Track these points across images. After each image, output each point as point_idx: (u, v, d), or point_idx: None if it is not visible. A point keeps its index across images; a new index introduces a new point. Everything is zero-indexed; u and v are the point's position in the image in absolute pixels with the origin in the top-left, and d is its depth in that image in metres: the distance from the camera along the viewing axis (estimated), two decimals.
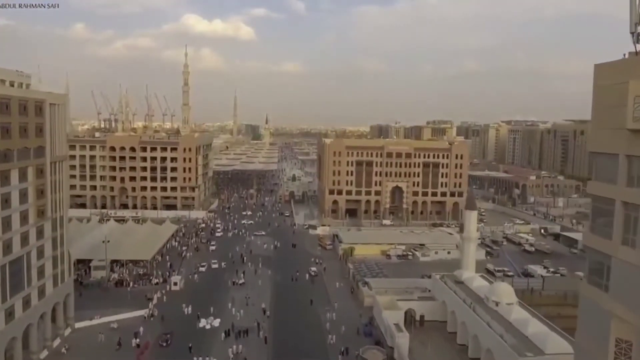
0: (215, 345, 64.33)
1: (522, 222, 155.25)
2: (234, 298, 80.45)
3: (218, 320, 68.84)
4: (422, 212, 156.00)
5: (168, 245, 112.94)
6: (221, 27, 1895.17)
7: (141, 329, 67.62)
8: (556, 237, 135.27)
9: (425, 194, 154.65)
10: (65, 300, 66.86)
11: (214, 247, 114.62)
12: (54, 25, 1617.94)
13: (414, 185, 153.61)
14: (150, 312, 73.60)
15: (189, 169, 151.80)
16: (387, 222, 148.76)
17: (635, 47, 26.92)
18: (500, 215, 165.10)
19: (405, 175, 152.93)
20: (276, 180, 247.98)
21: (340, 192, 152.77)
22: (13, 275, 53.32)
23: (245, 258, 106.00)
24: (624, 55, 27.88)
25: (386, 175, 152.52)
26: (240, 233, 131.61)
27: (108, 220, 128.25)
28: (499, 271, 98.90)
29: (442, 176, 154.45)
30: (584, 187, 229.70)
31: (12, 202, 53.18)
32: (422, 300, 72.72)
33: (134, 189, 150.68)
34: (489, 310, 59.28)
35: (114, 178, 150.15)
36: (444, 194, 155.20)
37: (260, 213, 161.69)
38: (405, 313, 69.08)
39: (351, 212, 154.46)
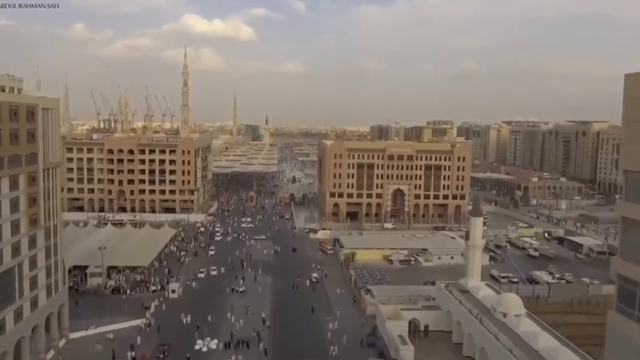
0: (214, 357, 62.56)
1: (525, 225, 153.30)
2: (234, 306, 78.53)
3: (215, 341, 65.93)
4: (423, 215, 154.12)
5: (166, 250, 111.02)
6: (221, 27, 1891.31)
7: (138, 339, 65.82)
8: (560, 241, 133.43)
9: (427, 196, 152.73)
10: (59, 311, 64.97)
11: (213, 252, 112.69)
12: (54, 25, 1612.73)
13: (415, 187, 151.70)
14: (147, 321, 71.67)
15: (188, 171, 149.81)
16: (388, 225, 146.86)
17: None
18: (503, 218, 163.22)
19: (406, 178, 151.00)
20: (276, 182, 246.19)
21: (341, 195, 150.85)
22: (4, 287, 51.50)
23: (245, 264, 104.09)
24: None
25: (387, 177, 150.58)
26: (240, 237, 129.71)
27: (105, 224, 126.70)
28: (503, 277, 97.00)
29: (444, 179, 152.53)
30: (586, 189, 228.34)
31: (2, 211, 51.30)
32: (426, 309, 70.85)
33: (132, 192, 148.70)
34: (497, 322, 57.38)
35: (112, 181, 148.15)
36: (446, 197, 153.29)
37: (260, 216, 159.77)
38: (409, 322, 67.23)
39: (352, 215, 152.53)
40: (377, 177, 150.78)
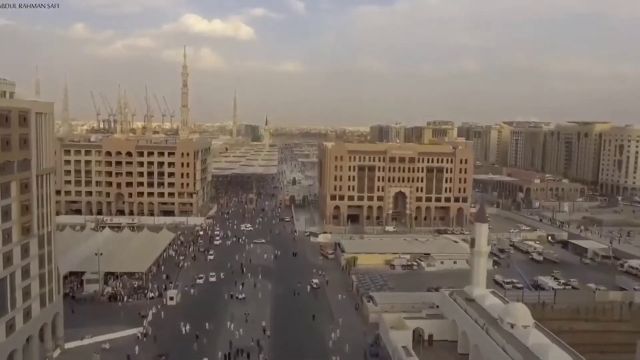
0: None
1: (528, 228, 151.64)
2: (233, 314, 76.80)
3: None
4: (425, 218, 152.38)
5: (165, 255, 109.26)
6: (221, 27, 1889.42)
7: (136, 349, 64.14)
8: (564, 244, 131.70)
9: (428, 199, 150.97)
10: (54, 320, 63.23)
11: (212, 257, 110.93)
12: (54, 25, 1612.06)
13: (417, 190, 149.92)
14: (145, 330, 69.89)
15: (187, 174, 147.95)
16: (390, 228, 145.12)
17: None
18: (505, 221, 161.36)
19: (408, 180, 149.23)
20: (276, 184, 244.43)
21: (342, 198, 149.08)
22: None
23: (244, 269, 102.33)
24: None
25: (389, 180, 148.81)
26: (240, 241, 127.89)
27: (103, 227, 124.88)
28: (508, 283, 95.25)
29: (446, 181, 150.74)
30: (589, 191, 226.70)
31: None
32: (430, 318, 69.02)
33: (130, 195, 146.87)
34: (504, 334, 55.55)
35: (110, 183, 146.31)
36: (448, 200, 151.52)
37: (260, 219, 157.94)
38: (413, 332, 65.50)
39: (353, 218, 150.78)
40: (379, 180, 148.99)
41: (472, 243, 68.39)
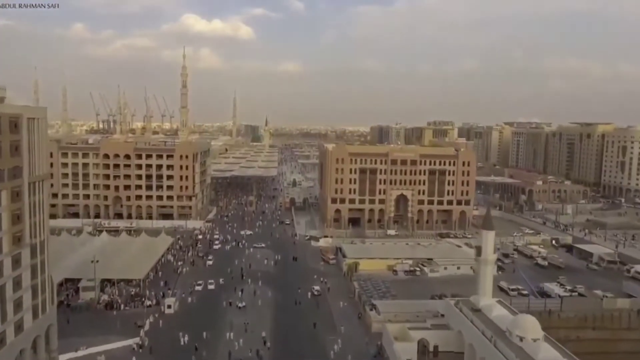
0: None
1: (532, 231, 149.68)
2: (232, 323, 74.89)
3: None
4: (427, 221, 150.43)
5: (163, 260, 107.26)
6: (220, 26, 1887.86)
7: None
8: (568, 249, 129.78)
9: (431, 202, 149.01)
10: (47, 332, 61.11)
11: (211, 262, 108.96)
12: (54, 25, 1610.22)
13: (419, 193, 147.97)
14: (141, 341, 67.89)
15: (186, 177, 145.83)
16: (391, 232, 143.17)
17: None
18: (508, 224, 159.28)
19: (410, 183, 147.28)
20: (276, 185, 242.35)
21: (343, 201, 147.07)
22: None
23: (244, 274, 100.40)
24: None
25: (391, 183, 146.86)
26: (239, 245, 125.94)
27: (101, 231, 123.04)
28: (513, 290, 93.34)
29: (448, 184, 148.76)
30: (591, 192, 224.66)
31: None
32: (435, 329, 67.17)
33: (128, 198, 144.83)
34: (513, 347, 53.62)
35: (107, 187, 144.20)
36: (450, 203, 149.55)
37: (260, 222, 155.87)
38: (418, 342, 63.64)
39: (354, 221, 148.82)
40: (380, 182, 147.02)
41: (479, 252, 66.43)
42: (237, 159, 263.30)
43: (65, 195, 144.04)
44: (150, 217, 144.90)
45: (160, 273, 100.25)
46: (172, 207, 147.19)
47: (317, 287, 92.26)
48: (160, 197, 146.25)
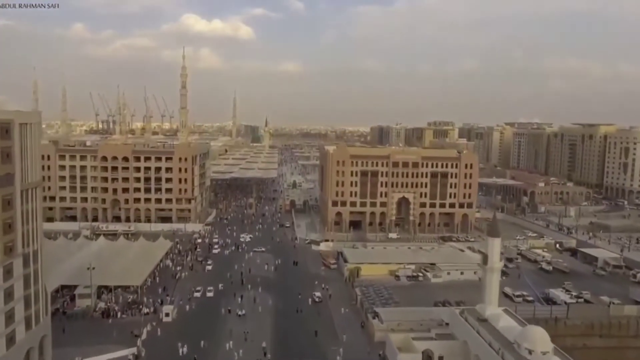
0: None
1: (535, 234, 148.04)
2: (232, 332, 73.16)
3: None
4: (429, 224, 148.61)
5: (161, 265, 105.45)
6: (220, 26, 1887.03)
7: None
8: (573, 252, 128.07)
9: (433, 205, 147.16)
10: (41, 343, 59.54)
11: (210, 267, 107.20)
12: (54, 25, 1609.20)
13: (421, 196, 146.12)
14: (137, 352, 66.06)
15: (185, 179, 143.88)
16: (393, 235, 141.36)
17: None
18: (511, 227, 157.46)
19: (412, 186, 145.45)
20: (276, 187, 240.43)
21: (343, 204, 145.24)
22: None
23: (244, 280, 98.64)
24: None
25: (392, 185, 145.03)
26: (239, 249, 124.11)
27: (98, 235, 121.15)
28: (518, 296, 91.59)
29: (450, 186, 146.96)
30: (594, 194, 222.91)
31: None
32: (440, 339, 65.34)
33: (126, 201, 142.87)
34: None
35: (105, 189, 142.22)
36: (452, 205, 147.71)
37: (260, 226, 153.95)
38: (422, 353, 61.92)
39: (355, 224, 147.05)
40: (381, 185, 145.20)
41: (485, 259, 64.63)
42: (236, 160, 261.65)
43: (62, 198, 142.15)
44: (148, 220, 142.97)
45: (158, 279, 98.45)
46: (170, 210, 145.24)
47: (318, 294, 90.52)
48: (158, 200, 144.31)
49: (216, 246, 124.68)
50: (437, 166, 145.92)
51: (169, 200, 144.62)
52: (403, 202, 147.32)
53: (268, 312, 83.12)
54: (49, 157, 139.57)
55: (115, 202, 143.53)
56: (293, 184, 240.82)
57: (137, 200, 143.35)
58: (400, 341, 63.97)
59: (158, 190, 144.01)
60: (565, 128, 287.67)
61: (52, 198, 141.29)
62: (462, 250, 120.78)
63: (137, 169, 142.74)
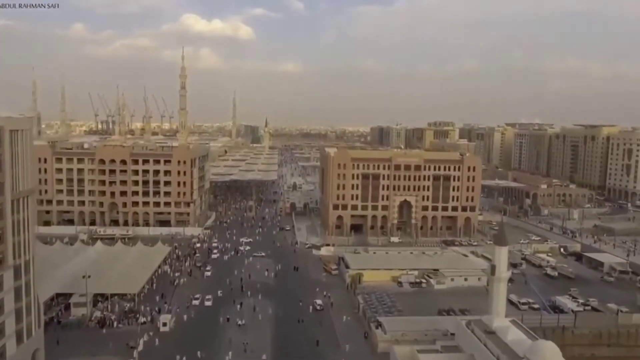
0: None
1: (539, 238, 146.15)
2: (231, 342, 71.19)
3: None
4: (431, 228, 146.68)
5: (159, 271, 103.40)
6: (220, 26, 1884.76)
7: None
8: (578, 257, 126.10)
9: (435, 208, 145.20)
10: (34, 357, 57.52)
11: (209, 273, 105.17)
12: (54, 25, 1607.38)
13: (423, 199, 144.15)
14: None
15: (184, 182, 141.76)
16: (395, 239, 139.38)
17: None
18: (514, 230, 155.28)
19: (414, 189, 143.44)
20: (276, 189, 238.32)
21: (345, 207, 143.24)
22: None
23: (244, 286, 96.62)
24: None
25: (394, 188, 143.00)
26: (239, 254, 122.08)
27: (96, 240, 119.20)
28: (523, 304, 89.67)
29: (453, 189, 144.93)
30: (597, 196, 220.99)
31: None
32: (446, 351, 63.36)
33: (124, 205, 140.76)
34: None
35: (103, 193, 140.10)
36: (455, 209, 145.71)
37: (260, 229, 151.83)
38: None
39: (356, 228, 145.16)
40: (383, 188, 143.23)
41: (493, 270, 62.56)
42: (236, 161, 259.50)
43: (59, 202, 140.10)
44: (147, 224, 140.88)
45: (155, 285, 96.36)
46: (169, 213, 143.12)
47: (319, 301, 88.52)
48: (157, 204, 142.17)
49: (215, 251, 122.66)
50: (439, 169, 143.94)
51: (167, 204, 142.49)
52: (405, 206, 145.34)
53: (268, 320, 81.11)
54: (45, 160, 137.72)
55: (113, 205, 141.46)
56: (293, 185, 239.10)
57: (135, 203, 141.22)
58: (405, 354, 61.97)
59: (156, 193, 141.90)
60: (567, 129, 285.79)
61: (49, 201, 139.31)
62: (466, 255, 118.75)
63: (135, 172, 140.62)
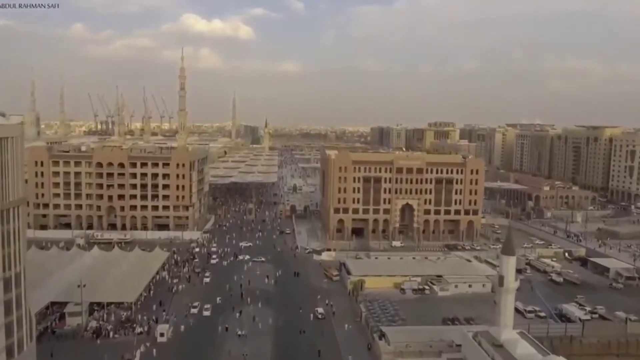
0: None
1: (543, 242, 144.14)
2: (231, 353, 69.32)
3: None
4: (434, 232, 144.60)
5: (157, 277, 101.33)
6: (220, 26, 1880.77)
7: None
8: (583, 262, 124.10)
9: (437, 212, 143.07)
10: None
11: (208, 279, 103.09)
12: (54, 25, 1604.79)
13: (425, 202, 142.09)
14: None
15: (183, 186, 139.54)
16: (397, 243, 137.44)
17: None
18: (517, 234, 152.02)
19: (416, 192, 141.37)
20: (276, 190, 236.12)
21: (346, 211, 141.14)
22: None
23: (243, 293, 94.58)
24: None
25: (396, 192, 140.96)
26: (238, 259, 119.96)
27: (93, 245, 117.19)
28: (529, 312, 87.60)
29: (455, 193, 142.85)
30: (599, 198, 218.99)
31: None
32: None
33: (122, 208, 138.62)
34: None
35: (100, 196, 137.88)
36: (457, 212, 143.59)
37: (260, 233, 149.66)
38: None
39: (358, 232, 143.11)
40: (385, 192, 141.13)
41: (501, 281, 60.52)
42: (236, 163, 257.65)
43: (56, 206, 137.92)
44: (145, 228, 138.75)
45: (153, 292, 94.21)
46: (168, 217, 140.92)
47: (320, 310, 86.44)
48: (155, 207, 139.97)
49: (214, 256, 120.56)
50: (441, 172, 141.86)
51: (166, 208, 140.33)
52: (407, 209, 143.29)
53: (268, 330, 79.02)
54: (42, 163, 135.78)
55: (110, 209, 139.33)
56: (293, 187, 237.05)
57: (133, 207, 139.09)
58: None
59: (155, 197, 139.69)
60: (569, 130, 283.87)
61: (46, 205, 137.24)
62: (469, 261, 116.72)
63: (133, 175, 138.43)
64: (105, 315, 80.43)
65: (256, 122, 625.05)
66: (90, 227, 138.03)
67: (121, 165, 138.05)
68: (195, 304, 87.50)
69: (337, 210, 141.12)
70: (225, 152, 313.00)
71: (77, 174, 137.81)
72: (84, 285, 76.37)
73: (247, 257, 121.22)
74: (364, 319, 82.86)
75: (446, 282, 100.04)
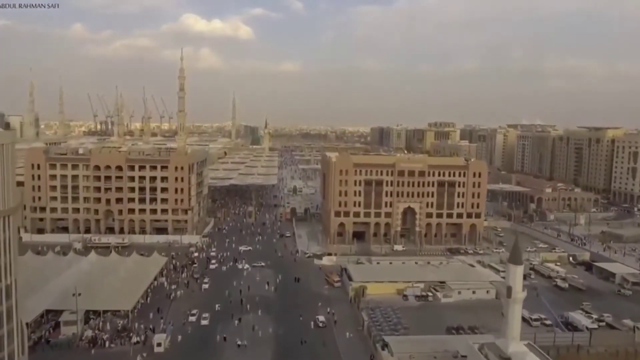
0: None
1: (546, 246, 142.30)
2: None
3: None
4: (436, 235, 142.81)
5: (155, 283, 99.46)
6: (220, 26, 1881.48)
7: None
8: (587, 266, 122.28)
9: (439, 215, 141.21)
10: None
11: (207, 285, 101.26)
12: (54, 25, 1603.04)
13: (427, 205, 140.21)
14: None
15: (181, 189, 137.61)
16: (398, 247, 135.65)
17: None
18: (521, 237, 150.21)
19: (418, 195, 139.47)
20: (276, 192, 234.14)
21: (347, 214, 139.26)
22: None
23: (243, 300, 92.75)
24: None
25: (397, 195, 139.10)
26: (238, 263, 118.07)
27: (90, 249, 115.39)
28: (535, 320, 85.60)
29: (458, 196, 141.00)
30: (603, 201, 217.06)
31: None
32: None
33: (120, 212, 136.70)
34: None
35: (98, 199, 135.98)
36: (460, 215, 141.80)
37: (260, 237, 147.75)
38: None
39: (359, 236, 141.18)
40: (386, 195, 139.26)
41: (509, 292, 58.71)
42: (235, 164, 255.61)
43: (53, 209, 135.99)
44: (143, 232, 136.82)
45: (150, 299, 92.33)
46: (166, 221, 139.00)
47: (321, 318, 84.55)
48: (154, 211, 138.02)
49: (214, 261, 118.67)
50: (444, 175, 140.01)
51: (164, 211, 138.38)
52: (409, 212, 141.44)
53: (268, 339, 77.12)
54: (39, 166, 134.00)
55: (108, 212, 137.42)
56: (294, 189, 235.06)
57: (132, 210, 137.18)
58: None
59: (153, 200, 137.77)
60: (571, 131, 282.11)
61: (43, 209, 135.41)
62: (472, 266, 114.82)
63: (132, 179, 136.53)
64: (101, 324, 78.57)
65: (256, 122, 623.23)
66: (87, 230, 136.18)
67: (119, 168, 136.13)
68: (194, 311, 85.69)
69: (338, 214, 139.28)
70: (225, 153, 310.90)
71: (75, 177, 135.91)
72: (79, 294, 74.50)
73: (247, 257, 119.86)
74: (366, 327, 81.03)
75: (449, 289, 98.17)
